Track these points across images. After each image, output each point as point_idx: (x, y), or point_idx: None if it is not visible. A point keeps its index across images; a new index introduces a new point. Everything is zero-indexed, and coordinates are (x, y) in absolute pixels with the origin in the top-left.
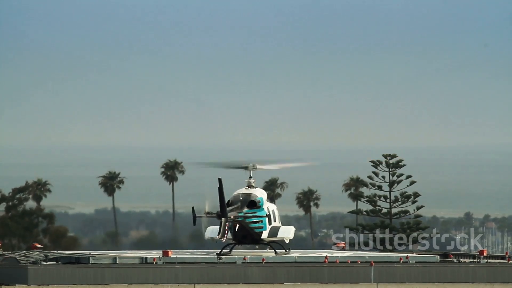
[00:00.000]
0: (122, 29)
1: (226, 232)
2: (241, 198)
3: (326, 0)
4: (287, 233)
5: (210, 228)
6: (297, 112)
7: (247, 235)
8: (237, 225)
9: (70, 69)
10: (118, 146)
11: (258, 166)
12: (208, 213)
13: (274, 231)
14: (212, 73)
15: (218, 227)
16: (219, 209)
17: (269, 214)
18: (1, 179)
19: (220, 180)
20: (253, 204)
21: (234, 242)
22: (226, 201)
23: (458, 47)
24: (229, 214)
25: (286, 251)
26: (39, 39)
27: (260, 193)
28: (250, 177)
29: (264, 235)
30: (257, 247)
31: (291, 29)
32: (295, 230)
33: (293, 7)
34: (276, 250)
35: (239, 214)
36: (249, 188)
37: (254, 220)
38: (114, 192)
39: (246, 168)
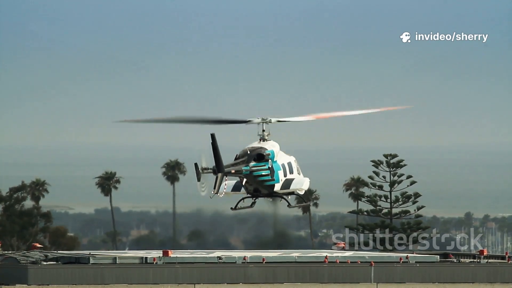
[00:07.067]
0: (122, 29)
1: (225, 186)
2: (248, 152)
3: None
4: (299, 184)
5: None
6: (297, 112)
7: (257, 189)
8: (244, 179)
9: (69, 69)
10: (118, 145)
11: (273, 119)
12: (204, 168)
13: (287, 184)
14: (213, 73)
15: (214, 181)
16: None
17: (271, 167)
18: (0, 179)
19: (212, 135)
20: (261, 157)
21: (249, 195)
22: (234, 156)
23: (458, 47)
24: (231, 168)
25: (306, 202)
26: (38, 39)
27: (270, 146)
28: (263, 130)
29: (277, 187)
30: (270, 199)
31: (292, 29)
32: (309, 182)
33: (295, 7)
34: (289, 202)
35: (244, 168)
36: (261, 142)
37: (263, 174)
38: (110, 192)
39: (258, 123)
